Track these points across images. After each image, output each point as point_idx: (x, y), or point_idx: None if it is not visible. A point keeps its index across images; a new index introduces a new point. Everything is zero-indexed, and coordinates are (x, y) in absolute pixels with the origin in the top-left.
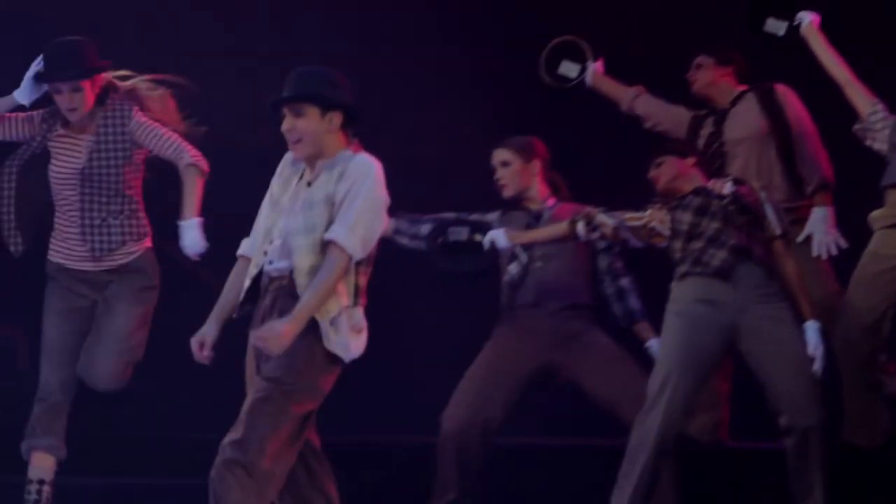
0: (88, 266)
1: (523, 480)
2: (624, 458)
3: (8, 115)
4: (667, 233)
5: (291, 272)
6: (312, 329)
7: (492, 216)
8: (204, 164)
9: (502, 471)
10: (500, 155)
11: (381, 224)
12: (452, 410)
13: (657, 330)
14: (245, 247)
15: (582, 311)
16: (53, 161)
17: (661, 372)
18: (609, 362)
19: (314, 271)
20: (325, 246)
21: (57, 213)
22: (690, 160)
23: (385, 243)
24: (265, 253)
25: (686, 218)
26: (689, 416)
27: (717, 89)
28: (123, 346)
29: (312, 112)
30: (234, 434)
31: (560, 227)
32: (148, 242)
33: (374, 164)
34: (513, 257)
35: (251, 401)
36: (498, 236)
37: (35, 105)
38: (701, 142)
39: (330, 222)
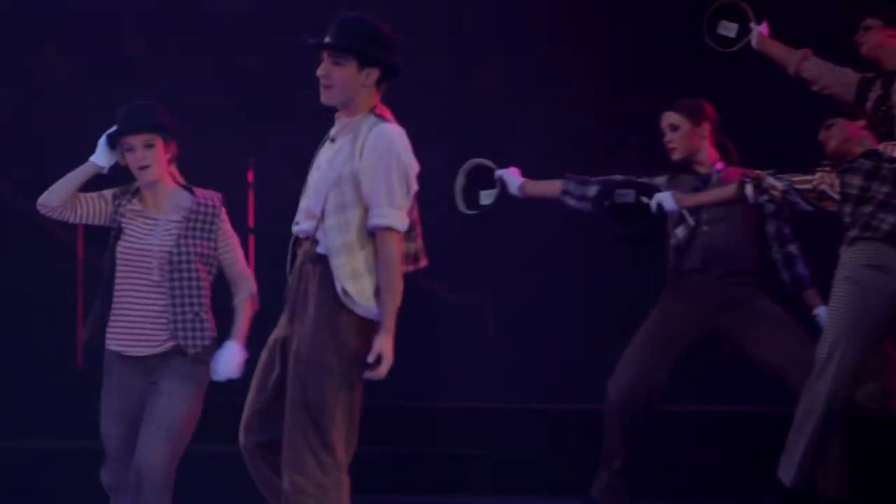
0: (145, 351)
1: (689, 448)
2: (792, 426)
3: (80, 195)
4: (836, 196)
5: (314, 234)
6: (332, 300)
7: (660, 179)
8: (256, 296)
9: (669, 438)
10: (669, 118)
11: (414, 189)
12: (618, 378)
13: (825, 297)
14: None
15: (748, 277)
16: (125, 237)
17: (829, 338)
18: (776, 329)
19: (347, 249)
20: (376, 232)
21: (119, 297)
22: (860, 123)
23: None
24: None
25: (856, 181)
26: (857, 384)
27: (885, 51)
28: (170, 429)
29: (351, 64)
30: (289, 459)
31: (728, 190)
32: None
33: (395, 133)
34: (680, 220)
35: (292, 420)
36: (665, 199)
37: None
38: (869, 105)
39: (359, 200)
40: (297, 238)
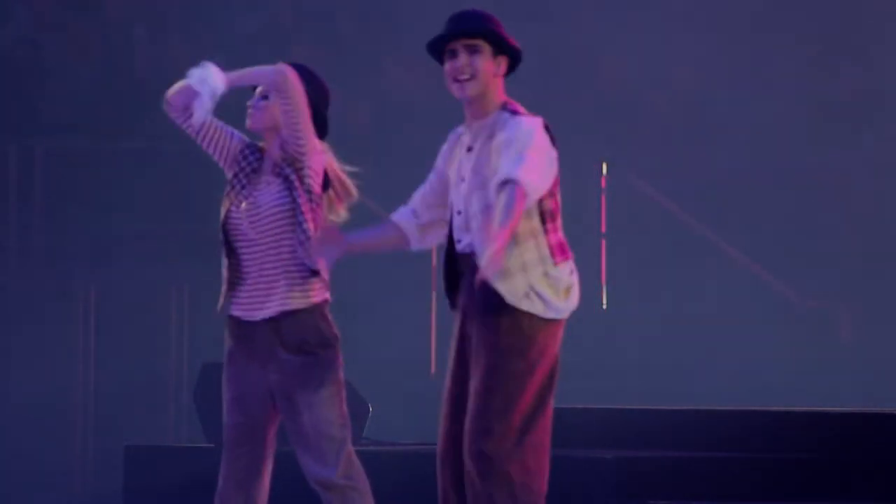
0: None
1: None
2: None
3: (215, 122)
4: None
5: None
6: (507, 307)
7: None
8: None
9: None
10: None
11: (554, 174)
12: None
13: None
14: (398, 213)
15: None
16: (253, 195)
17: None
18: None
19: None
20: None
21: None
22: None
23: None
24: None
25: None
26: None
27: None
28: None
29: (487, 51)
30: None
31: None
32: None
33: (536, 123)
34: None
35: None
36: None
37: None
38: None
39: None
40: (458, 255)
